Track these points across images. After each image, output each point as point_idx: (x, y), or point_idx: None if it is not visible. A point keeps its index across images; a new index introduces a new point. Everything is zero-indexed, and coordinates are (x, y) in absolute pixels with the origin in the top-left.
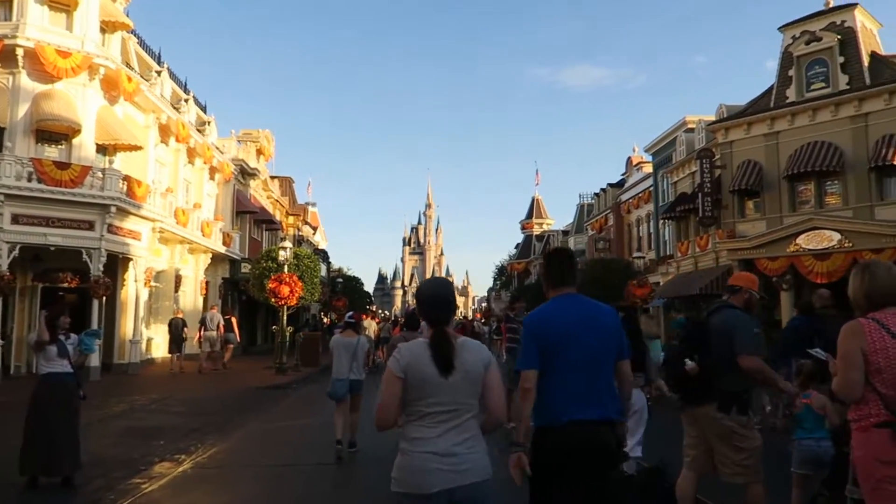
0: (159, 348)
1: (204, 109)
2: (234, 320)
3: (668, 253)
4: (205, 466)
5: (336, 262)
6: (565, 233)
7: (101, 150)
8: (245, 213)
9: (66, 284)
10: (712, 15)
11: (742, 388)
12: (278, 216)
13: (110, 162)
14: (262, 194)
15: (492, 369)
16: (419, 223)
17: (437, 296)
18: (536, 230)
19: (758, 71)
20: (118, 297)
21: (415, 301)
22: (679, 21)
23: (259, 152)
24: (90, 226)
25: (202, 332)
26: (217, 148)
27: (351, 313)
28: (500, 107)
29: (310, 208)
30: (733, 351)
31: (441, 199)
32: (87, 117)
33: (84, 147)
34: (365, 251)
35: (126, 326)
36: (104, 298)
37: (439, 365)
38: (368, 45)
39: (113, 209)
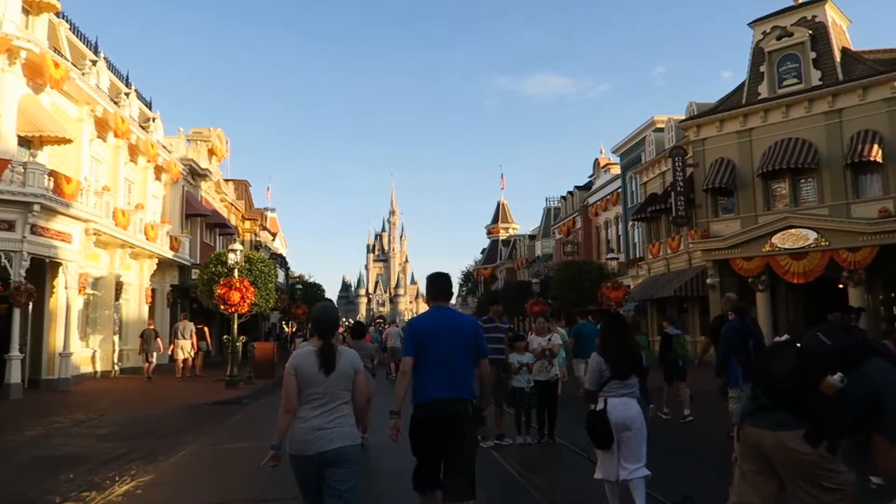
0: (97, 361)
1: (149, 106)
2: (206, 330)
3: (638, 255)
4: None
5: (299, 271)
6: (532, 237)
7: (25, 143)
8: (196, 216)
9: None
10: (668, 27)
11: (847, 430)
12: (233, 220)
13: (33, 156)
14: (216, 197)
15: (360, 372)
16: (383, 230)
17: (325, 318)
18: (503, 235)
19: (713, 81)
20: (46, 305)
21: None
22: (637, 33)
23: (211, 152)
24: (10, 226)
25: (176, 341)
26: (164, 147)
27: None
28: (464, 115)
29: (269, 214)
30: (874, 420)
31: (405, 206)
32: (6, 106)
33: (3, 138)
34: (328, 260)
35: (55, 338)
36: (30, 307)
37: (324, 366)
38: (332, 52)
39: (37, 207)
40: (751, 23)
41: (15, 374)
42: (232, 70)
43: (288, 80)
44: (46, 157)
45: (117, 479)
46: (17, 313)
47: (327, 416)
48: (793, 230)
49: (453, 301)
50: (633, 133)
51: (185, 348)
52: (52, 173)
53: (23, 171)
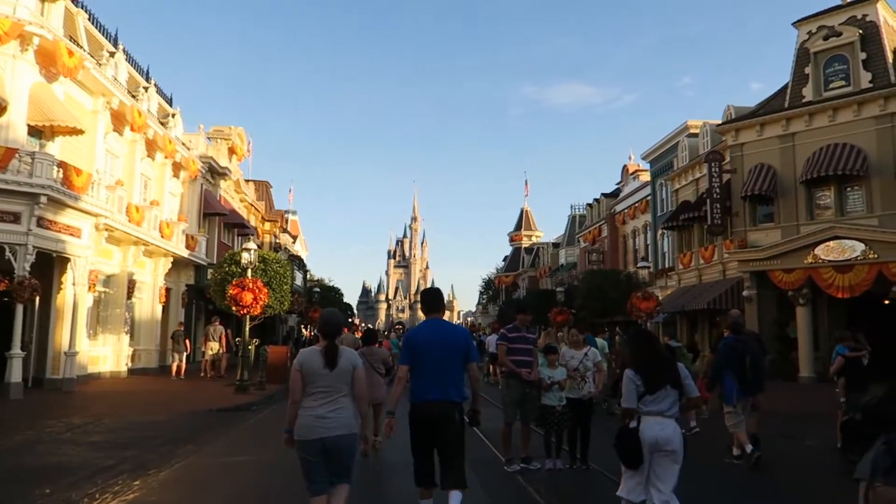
0: (107, 361)
1: (170, 102)
2: (226, 333)
3: (667, 265)
4: None
5: (319, 275)
6: (555, 245)
7: (36, 132)
8: (214, 215)
9: None
10: (697, 37)
11: None
12: (253, 221)
13: (42, 146)
14: (235, 196)
15: (358, 369)
16: (404, 236)
17: (330, 322)
18: (525, 242)
19: (742, 91)
20: (53, 302)
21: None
22: (665, 42)
23: (231, 151)
24: (15, 218)
25: (206, 342)
26: (183, 143)
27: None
28: (488, 122)
29: (290, 216)
30: None
31: (427, 213)
32: (16, 93)
33: (13, 127)
34: (349, 264)
35: (61, 336)
36: (37, 303)
37: (327, 363)
38: (357, 59)
39: (43, 199)
40: (795, 22)
41: (16, 373)
42: (257, 74)
43: (313, 86)
44: (58, 148)
45: (97, 496)
46: (20, 309)
47: (329, 407)
48: (838, 241)
49: (472, 308)
50: (665, 138)
51: (215, 350)
52: (61, 164)
53: (30, 161)
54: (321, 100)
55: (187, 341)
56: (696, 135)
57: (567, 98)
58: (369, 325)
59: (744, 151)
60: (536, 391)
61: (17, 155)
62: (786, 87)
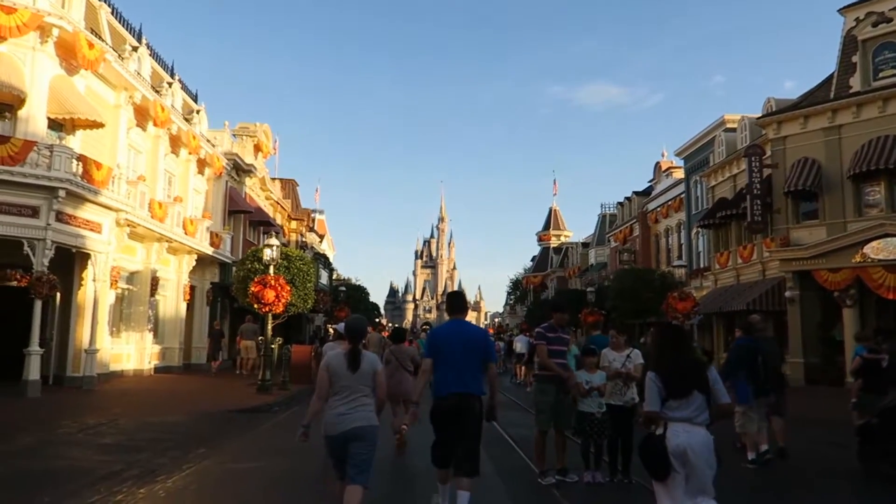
0: (131, 359)
1: (195, 98)
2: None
3: (703, 265)
4: None
5: (347, 275)
6: (585, 245)
7: (57, 126)
8: (239, 212)
9: (14, 283)
10: (728, 36)
11: None
12: (279, 220)
13: (60, 138)
14: (260, 194)
15: (378, 371)
16: (432, 237)
17: (354, 328)
18: (554, 242)
19: (776, 90)
20: (74, 299)
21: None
22: (695, 41)
23: (257, 148)
24: (34, 212)
25: (241, 341)
26: (207, 140)
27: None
28: (515, 122)
29: (317, 216)
30: None
31: (454, 213)
32: (36, 86)
33: (32, 120)
34: (376, 265)
35: (82, 334)
36: (57, 300)
37: (350, 364)
38: (384, 59)
39: (62, 193)
40: (841, 9)
41: (34, 371)
42: (284, 74)
43: (340, 86)
44: (79, 142)
45: None
46: (38, 305)
47: (349, 405)
48: (889, 239)
49: (499, 309)
50: (700, 134)
51: (250, 348)
52: (80, 158)
53: (49, 154)
54: (346, 101)
55: (223, 340)
56: (733, 129)
57: (595, 98)
58: (397, 325)
59: (786, 145)
60: (567, 396)
61: (35, 148)
62: (831, 77)
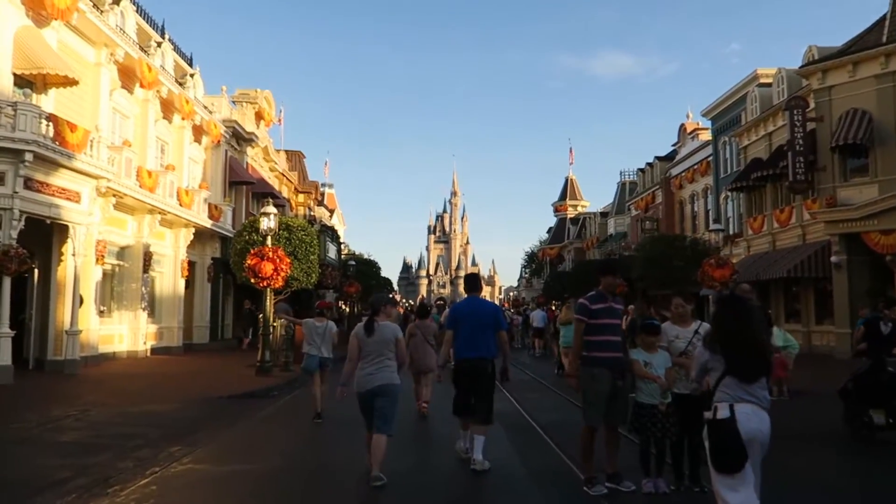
0: (123, 340)
1: (189, 62)
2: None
3: (733, 231)
4: None
5: (359, 250)
6: (603, 214)
7: (26, 84)
8: (240, 183)
9: None
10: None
11: None
12: (285, 192)
13: (25, 95)
14: (264, 165)
15: (399, 338)
16: (444, 211)
17: (371, 302)
18: (571, 213)
19: (795, 60)
20: (53, 276)
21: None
22: (711, 6)
23: (258, 116)
24: None
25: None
26: (204, 106)
27: (318, 302)
28: (528, 94)
29: (326, 190)
30: None
31: (467, 187)
32: None
33: None
34: (389, 240)
35: (63, 314)
36: (35, 277)
37: (366, 331)
38: (393, 29)
39: (29, 156)
40: None
41: (4, 355)
42: (291, 46)
43: (349, 59)
44: (53, 102)
45: None
46: (6, 283)
47: (374, 366)
48: None
49: (514, 283)
50: (730, 91)
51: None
52: (51, 118)
53: (13, 113)
54: (356, 73)
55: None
56: (767, 84)
57: (608, 69)
58: (420, 300)
59: (832, 96)
60: (625, 382)
61: None
62: (882, 19)
